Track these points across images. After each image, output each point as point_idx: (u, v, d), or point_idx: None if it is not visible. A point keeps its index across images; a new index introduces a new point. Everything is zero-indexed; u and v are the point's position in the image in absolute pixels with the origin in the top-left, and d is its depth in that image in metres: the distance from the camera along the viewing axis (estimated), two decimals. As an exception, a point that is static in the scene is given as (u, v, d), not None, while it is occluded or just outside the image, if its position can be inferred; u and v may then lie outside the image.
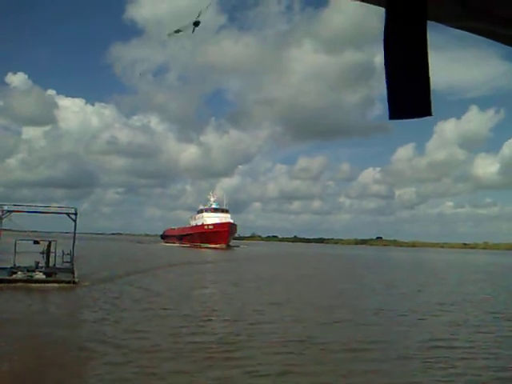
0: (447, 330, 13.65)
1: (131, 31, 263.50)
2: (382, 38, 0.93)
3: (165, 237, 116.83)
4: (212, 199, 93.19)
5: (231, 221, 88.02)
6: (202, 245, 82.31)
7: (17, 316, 12.97)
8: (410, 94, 0.95)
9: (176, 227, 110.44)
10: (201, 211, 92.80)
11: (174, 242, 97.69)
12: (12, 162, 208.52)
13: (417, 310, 17.14)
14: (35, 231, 29.93)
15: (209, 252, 65.41)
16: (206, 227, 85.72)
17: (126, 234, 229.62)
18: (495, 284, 29.84)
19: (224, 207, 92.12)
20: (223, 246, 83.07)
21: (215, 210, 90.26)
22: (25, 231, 21.79)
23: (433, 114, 0.92)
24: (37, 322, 12.26)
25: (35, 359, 8.90)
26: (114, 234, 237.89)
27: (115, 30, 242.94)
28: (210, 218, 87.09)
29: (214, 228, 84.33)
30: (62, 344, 10.34)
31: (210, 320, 13.87)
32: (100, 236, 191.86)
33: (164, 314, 14.30)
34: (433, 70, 0.93)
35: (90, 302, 16.01)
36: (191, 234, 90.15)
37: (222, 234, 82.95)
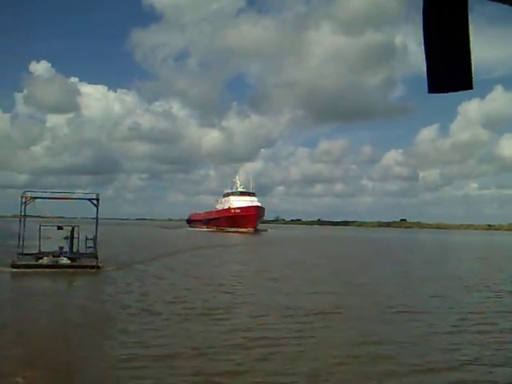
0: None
1: (150, 17, 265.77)
2: (422, 8, 0.92)
3: (190, 221, 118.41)
4: (238, 182, 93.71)
5: (259, 204, 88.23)
6: (229, 229, 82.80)
7: (46, 297, 13.75)
8: (450, 67, 0.94)
9: (202, 211, 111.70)
10: (227, 195, 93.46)
11: (201, 227, 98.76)
12: (37, 149, 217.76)
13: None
14: (60, 217, 31.13)
15: (237, 236, 66.03)
16: (233, 211, 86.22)
17: (150, 219, 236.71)
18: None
19: (251, 190, 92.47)
20: (251, 230, 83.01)
21: (242, 194, 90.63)
22: (48, 217, 22.71)
23: (473, 87, 0.93)
24: (65, 302, 13.11)
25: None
26: (138, 219, 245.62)
27: (135, 17, 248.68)
28: (237, 202, 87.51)
29: (241, 211, 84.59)
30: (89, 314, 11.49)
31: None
32: (125, 221, 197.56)
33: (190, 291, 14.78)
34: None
35: (113, 284, 16.64)
36: (218, 218, 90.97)
37: (250, 218, 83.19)
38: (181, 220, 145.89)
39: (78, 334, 9.56)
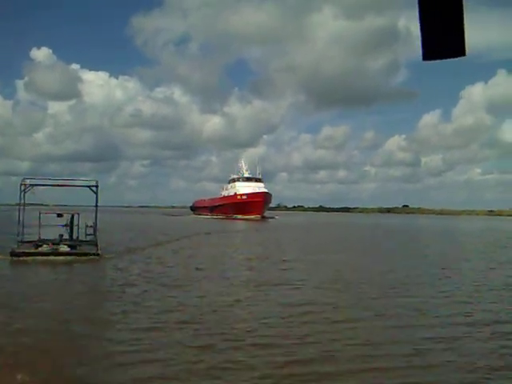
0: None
1: (152, 2, 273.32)
2: None
3: (195, 208, 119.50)
4: (244, 167, 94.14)
5: (265, 190, 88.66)
6: (236, 216, 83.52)
7: (45, 287, 14.10)
8: (443, 34, 0.99)
9: (207, 198, 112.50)
10: (233, 180, 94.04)
11: (205, 214, 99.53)
12: (39, 136, 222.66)
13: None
14: (61, 205, 31.74)
15: (244, 223, 66.46)
16: (239, 197, 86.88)
17: (153, 207, 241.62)
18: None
19: (257, 176, 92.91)
20: (258, 216, 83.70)
21: (248, 179, 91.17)
22: (47, 205, 23.31)
23: (466, 54, 0.99)
24: (64, 292, 13.45)
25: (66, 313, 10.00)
26: (140, 206, 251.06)
27: (136, 2, 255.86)
28: (243, 188, 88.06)
29: (247, 198, 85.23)
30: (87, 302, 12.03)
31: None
32: (127, 209, 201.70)
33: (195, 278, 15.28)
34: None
35: (112, 272, 17.00)
36: (223, 204, 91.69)
37: (257, 204, 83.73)
38: (184, 207, 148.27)
39: (76, 323, 9.87)
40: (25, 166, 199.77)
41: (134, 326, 9.61)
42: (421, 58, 1.04)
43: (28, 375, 6.80)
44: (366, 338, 9.04)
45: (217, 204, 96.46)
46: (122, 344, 8.50)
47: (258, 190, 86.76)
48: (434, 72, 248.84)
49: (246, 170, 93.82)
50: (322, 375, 7.20)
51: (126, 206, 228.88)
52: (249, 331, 9.44)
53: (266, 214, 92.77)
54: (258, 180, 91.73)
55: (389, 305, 12.28)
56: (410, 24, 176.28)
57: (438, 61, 1.03)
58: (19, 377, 6.70)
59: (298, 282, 15.53)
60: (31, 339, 8.54)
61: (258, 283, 15.27)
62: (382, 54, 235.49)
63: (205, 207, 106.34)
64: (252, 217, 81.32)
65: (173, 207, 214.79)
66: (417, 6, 1.00)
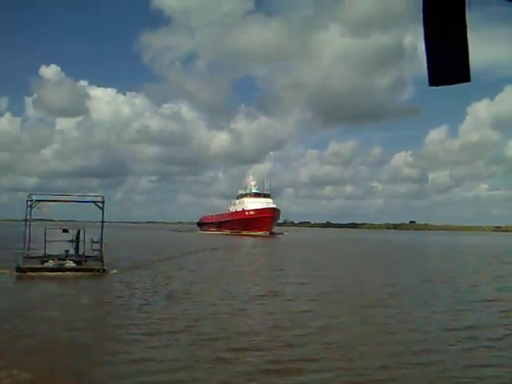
0: None
1: (159, 20, 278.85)
2: (421, 4, 1.02)
3: (202, 224, 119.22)
4: (252, 183, 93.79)
5: (274, 206, 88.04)
6: (243, 232, 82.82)
7: (51, 301, 14.25)
8: (448, 61, 1.03)
9: (214, 214, 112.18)
10: (241, 196, 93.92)
11: (213, 230, 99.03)
12: (47, 152, 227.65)
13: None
14: (67, 220, 32.08)
15: (252, 240, 66.30)
16: (247, 213, 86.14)
17: (160, 222, 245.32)
18: None
19: (265, 191, 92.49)
20: (266, 233, 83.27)
21: (256, 195, 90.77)
22: (53, 220, 23.56)
23: (471, 79, 1.02)
24: (70, 306, 13.56)
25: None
26: (148, 222, 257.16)
27: (143, 20, 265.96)
28: (252, 204, 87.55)
29: (256, 214, 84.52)
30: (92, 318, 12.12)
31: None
32: (134, 225, 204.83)
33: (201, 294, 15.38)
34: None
35: (118, 288, 17.12)
36: (231, 220, 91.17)
37: (265, 220, 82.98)
38: (191, 223, 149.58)
39: (82, 338, 9.96)
40: (32, 181, 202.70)
41: (135, 337, 9.92)
42: (427, 83, 1.08)
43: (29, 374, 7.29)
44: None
45: (224, 220, 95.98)
46: (122, 352, 8.77)
47: (266, 206, 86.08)
48: (440, 89, 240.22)
49: (255, 186, 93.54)
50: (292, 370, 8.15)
51: (133, 222, 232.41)
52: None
53: (275, 230, 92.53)
54: (266, 196, 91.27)
55: (378, 315, 13.14)
56: (415, 41, 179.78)
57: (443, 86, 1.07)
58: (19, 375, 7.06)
59: (294, 295, 16.45)
60: (34, 345, 8.86)
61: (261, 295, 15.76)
62: (388, 70, 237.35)
63: (212, 223, 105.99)
64: (260, 233, 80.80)
65: (180, 223, 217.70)
66: (422, 35, 1.04)
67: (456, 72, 1.03)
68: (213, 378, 7.73)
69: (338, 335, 10.73)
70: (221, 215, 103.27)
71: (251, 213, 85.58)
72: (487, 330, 11.55)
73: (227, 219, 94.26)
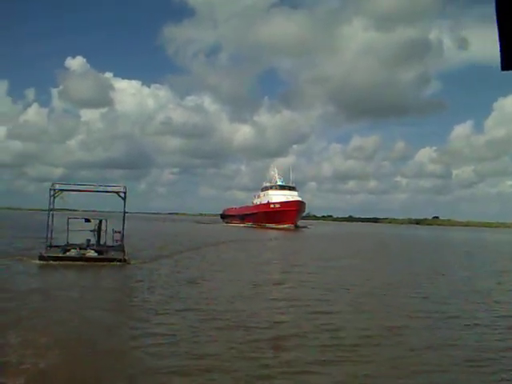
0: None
1: (182, 12, 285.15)
2: None
3: (224, 216, 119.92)
4: (277, 175, 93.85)
5: (299, 198, 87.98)
6: (268, 225, 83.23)
7: (70, 289, 14.62)
8: None
9: (237, 206, 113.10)
10: (265, 188, 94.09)
11: (236, 222, 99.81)
12: (72, 143, 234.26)
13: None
14: (90, 210, 32.86)
15: (282, 233, 66.43)
16: (272, 206, 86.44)
17: (182, 214, 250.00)
18: None
19: (291, 184, 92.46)
20: (291, 226, 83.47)
21: (281, 188, 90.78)
22: (76, 210, 24.13)
23: None
24: (89, 295, 13.82)
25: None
26: (169, 213, 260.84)
27: (167, 12, 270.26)
28: (277, 196, 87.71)
29: (281, 207, 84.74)
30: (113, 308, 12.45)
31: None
32: (156, 216, 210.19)
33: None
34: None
35: (139, 278, 17.43)
36: (255, 213, 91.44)
37: (290, 214, 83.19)
38: (212, 215, 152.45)
39: (103, 328, 10.20)
40: (58, 172, 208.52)
41: (156, 321, 10.72)
42: (499, 68, 1.03)
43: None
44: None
45: (248, 212, 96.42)
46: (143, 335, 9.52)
47: (291, 199, 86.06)
48: (465, 84, 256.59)
49: (279, 178, 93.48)
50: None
51: (155, 213, 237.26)
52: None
53: (299, 223, 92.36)
54: (291, 188, 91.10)
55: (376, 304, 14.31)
56: (441, 35, 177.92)
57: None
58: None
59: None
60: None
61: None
62: (413, 65, 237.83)
63: (235, 215, 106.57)
64: (285, 226, 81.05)
65: (201, 215, 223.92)
66: (494, 14, 0.98)
67: None
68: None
69: (327, 317, 12.01)
70: (244, 207, 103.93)
71: (276, 205, 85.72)
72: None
73: (251, 212, 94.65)
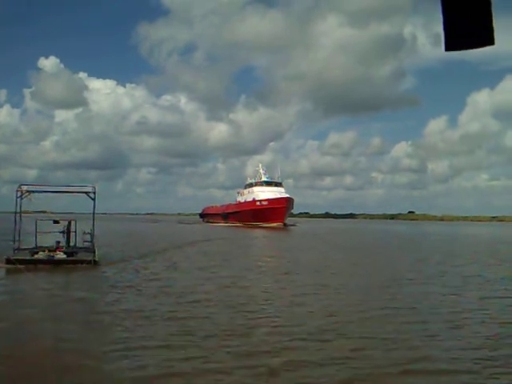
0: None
1: (158, 11, 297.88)
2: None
3: (204, 215, 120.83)
4: (262, 171, 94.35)
5: (287, 195, 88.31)
6: (254, 223, 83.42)
7: (38, 293, 15.31)
8: (468, 22, 0.97)
9: (218, 204, 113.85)
10: (250, 185, 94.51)
11: (218, 221, 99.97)
12: (46, 144, 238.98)
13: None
14: (62, 212, 33.59)
15: (272, 232, 67.08)
16: (258, 203, 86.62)
17: (160, 214, 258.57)
18: None
19: (277, 180, 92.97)
20: (280, 224, 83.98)
21: (268, 184, 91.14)
22: (44, 212, 25.01)
23: (495, 42, 1.00)
24: (57, 298, 14.40)
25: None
26: (147, 213, 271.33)
27: (142, 11, 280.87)
28: (263, 193, 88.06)
29: (268, 204, 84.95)
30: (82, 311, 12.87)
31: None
32: (134, 216, 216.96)
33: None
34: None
35: (109, 279, 18.16)
36: (240, 211, 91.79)
37: (279, 211, 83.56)
38: (191, 214, 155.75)
39: (72, 332, 10.59)
40: (32, 173, 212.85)
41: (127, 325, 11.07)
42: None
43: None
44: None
45: (232, 211, 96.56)
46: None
47: (279, 196, 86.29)
48: (439, 78, 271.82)
49: (265, 174, 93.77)
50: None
51: (134, 214, 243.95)
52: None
53: (286, 221, 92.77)
54: (277, 184, 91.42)
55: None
56: (415, 31, 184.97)
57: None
58: None
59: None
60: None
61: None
62: (388, 61, 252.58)
63: (217, 214, 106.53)
64: (273, 225, 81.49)
65: (179, 214, 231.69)
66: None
67: (477, 34, 0.98)
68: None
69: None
70: (227, 206, 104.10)
71: (263, 203, 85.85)
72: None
73: (235, 210, 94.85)
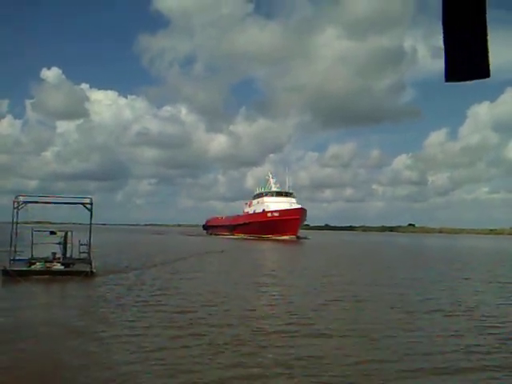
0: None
1: (158, 22, 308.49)
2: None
3: (208, 227, 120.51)
4: (272, 181, 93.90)
5: (299, 206, 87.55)
6: (265, 236, 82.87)
7: (35, 305, 15.93)
8: (467, 56, 1.13)
9: (224, 216, 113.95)
10: (259, 195, 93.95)
11: (224, 233, 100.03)
12: (47, 155, 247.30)
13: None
14: (59, 223, 34.80)
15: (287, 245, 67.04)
16: (269, 214, 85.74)
17: (159, 225, 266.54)
18: None
19: (287, 190, 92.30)
20: (293, 237, 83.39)
21: (278, 194, 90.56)
22: (41, 222, 26.13)
23: (490, 75, 1.12)
24: (54, 310, 15.14)
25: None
26: (146, 224, 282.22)
27: (143, 22, 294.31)
28: (274, 204, 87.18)
29: (280, 215, 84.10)
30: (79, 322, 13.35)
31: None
32: (134, 227, 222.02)
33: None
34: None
35: (106, 291, 18.83)
36: (248, 223, 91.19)
37: (292, 223, 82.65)
38: (191, 225, 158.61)
39: (70, 344, 11.14)
40: (33, 184, 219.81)
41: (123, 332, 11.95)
42: (443, 79, 1.21)
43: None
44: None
45: (240, 222, 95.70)
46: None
47: (290, 207, 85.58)
48: (439, 91, 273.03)
49: (275, 184, 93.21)
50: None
51: (134, 225, 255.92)
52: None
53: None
54: (288, 194, 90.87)
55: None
56: (416, 44, 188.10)
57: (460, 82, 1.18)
58: None
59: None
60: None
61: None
62: (387, 73, 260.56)
63: (222, 226, 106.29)
64: (285, 237, 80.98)
65: (179, 225, 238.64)
66: (441, 27, 1.15)
67: (474, 67, 1.12)
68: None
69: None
70: (234, 217, 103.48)
71: (275, 214, 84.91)
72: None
73: (244, 221, 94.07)
